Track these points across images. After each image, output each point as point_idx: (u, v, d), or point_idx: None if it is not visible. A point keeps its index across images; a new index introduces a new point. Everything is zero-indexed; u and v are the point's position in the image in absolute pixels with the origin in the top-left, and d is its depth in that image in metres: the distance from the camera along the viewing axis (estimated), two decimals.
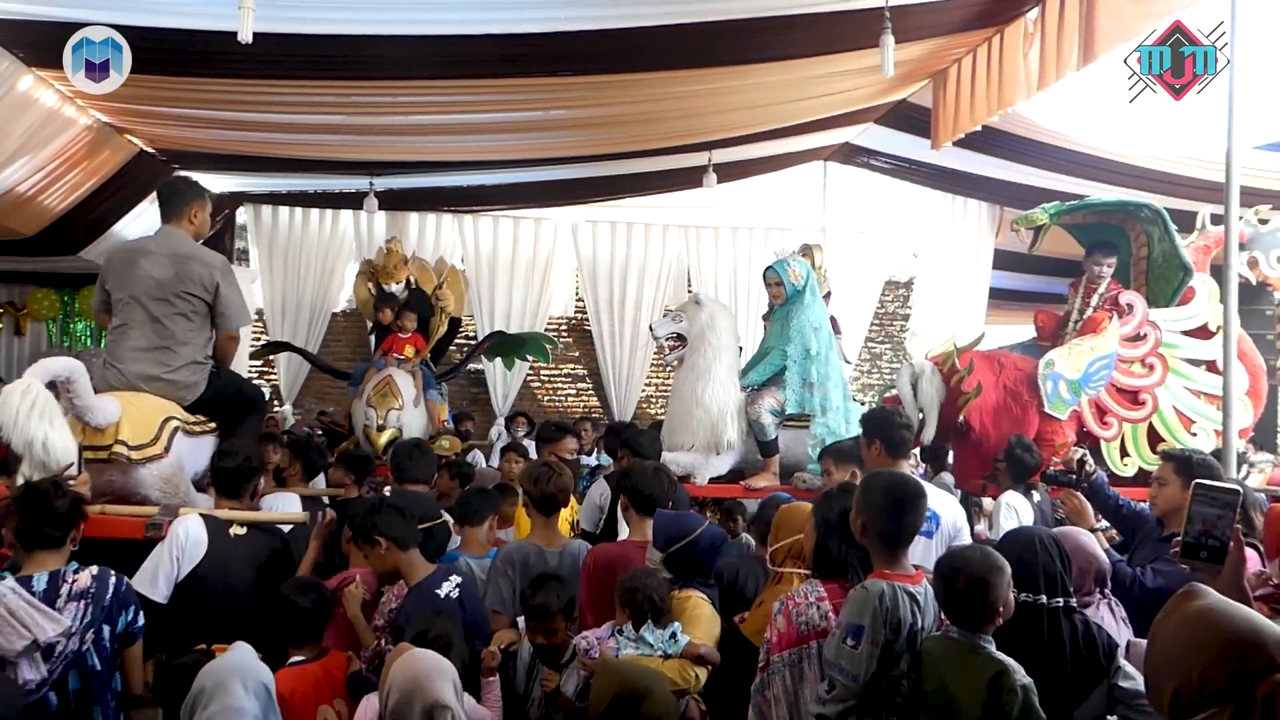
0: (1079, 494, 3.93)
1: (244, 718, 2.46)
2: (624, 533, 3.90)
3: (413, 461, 4.33)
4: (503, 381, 10.16)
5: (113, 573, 2.93)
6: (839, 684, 2.39)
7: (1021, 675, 2.30)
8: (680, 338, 5.28)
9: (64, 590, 2.79)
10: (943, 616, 2.56)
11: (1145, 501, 3.96)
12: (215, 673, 2.53)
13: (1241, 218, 6.38)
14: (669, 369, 11.17)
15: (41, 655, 2.66)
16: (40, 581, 2.76)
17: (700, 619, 3.10)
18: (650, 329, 5.61)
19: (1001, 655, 2.36)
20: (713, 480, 5.04)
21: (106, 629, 2.84)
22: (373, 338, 8.23)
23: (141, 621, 2.98)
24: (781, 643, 2.60)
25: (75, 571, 2.85)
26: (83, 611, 2.77)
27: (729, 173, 8.24)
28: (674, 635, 3.01)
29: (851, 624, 2.42)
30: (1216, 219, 5.40)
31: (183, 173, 7.10)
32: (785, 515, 3.14)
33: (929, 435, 5.37)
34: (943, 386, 5.28)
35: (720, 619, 3.18)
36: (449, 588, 3.25)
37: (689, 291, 10.56)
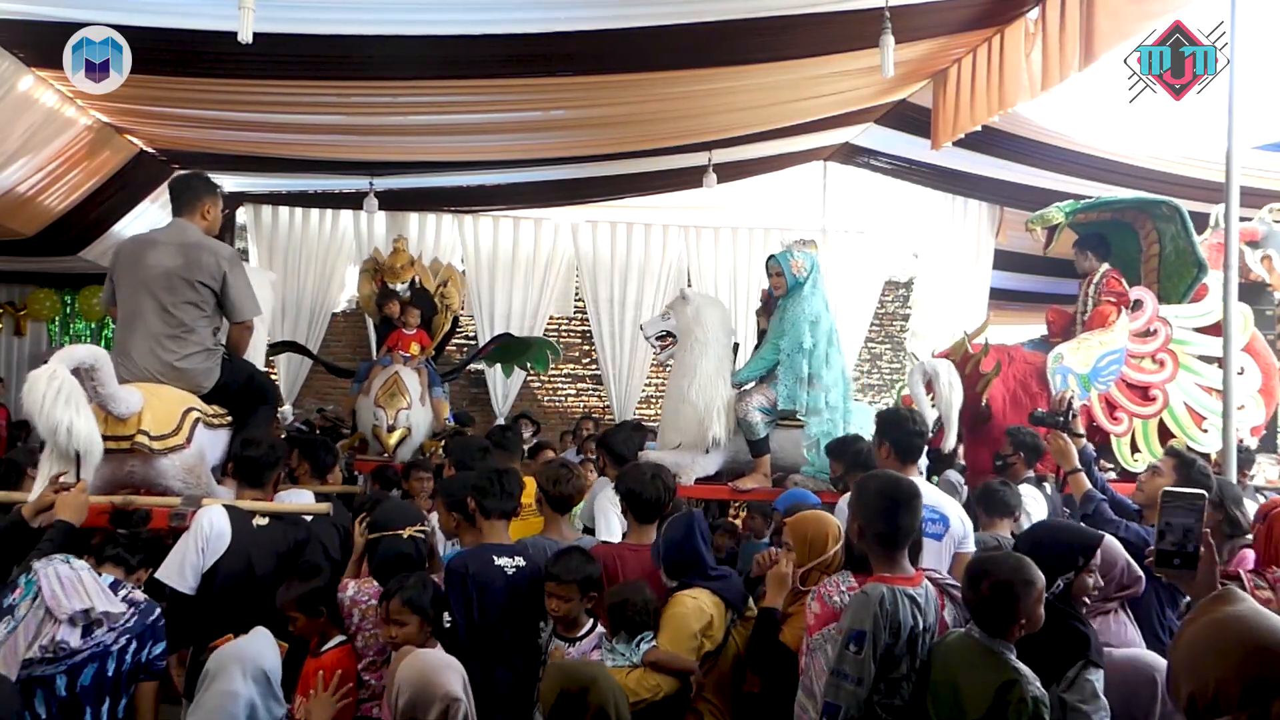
0: (1064, 435, 3.94)
1: (237, 701, 2.50)
2: None
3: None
4: (503, 381, 10.16)
5: (159, 607, 2.98)
6: (845, 690, 2.38)
7: (1035, 687, 2.28)
8: (671, 335, 5.22)
9: (121, 593, 2.87)
10: (946, 618, 2.56)
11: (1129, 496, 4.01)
12: (220, 657, 2.59)
13: (1249, 218, 6.41)
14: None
15: (82, 631, 2.73)
16: (107, 578, 2.87)
17: (669, 621, 3.06)
18: (641, 328, 5.58)
19: (1018, 664, 2.34)
20: (700, 480, 4.95)
21: (134, 645, 2.84)
22: (374, 335, 8.24)
23: (162, 663, 2.95)
24: (818, 623, 2.64)
25: (134, 588, 2.97)
26: (130, 616, 2.84)
27: (729, 173, 8.24)
28: (638, 644, 3.02)
29: (854, 630, 2.42)
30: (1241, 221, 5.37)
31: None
32: (815, 529, 3.04)
33: (950, 442, 5.22)
34: (960, 384, 5.18)
35: (709, 610, 3.10)
36: (506, 561, 3.30)
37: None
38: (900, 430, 3.77)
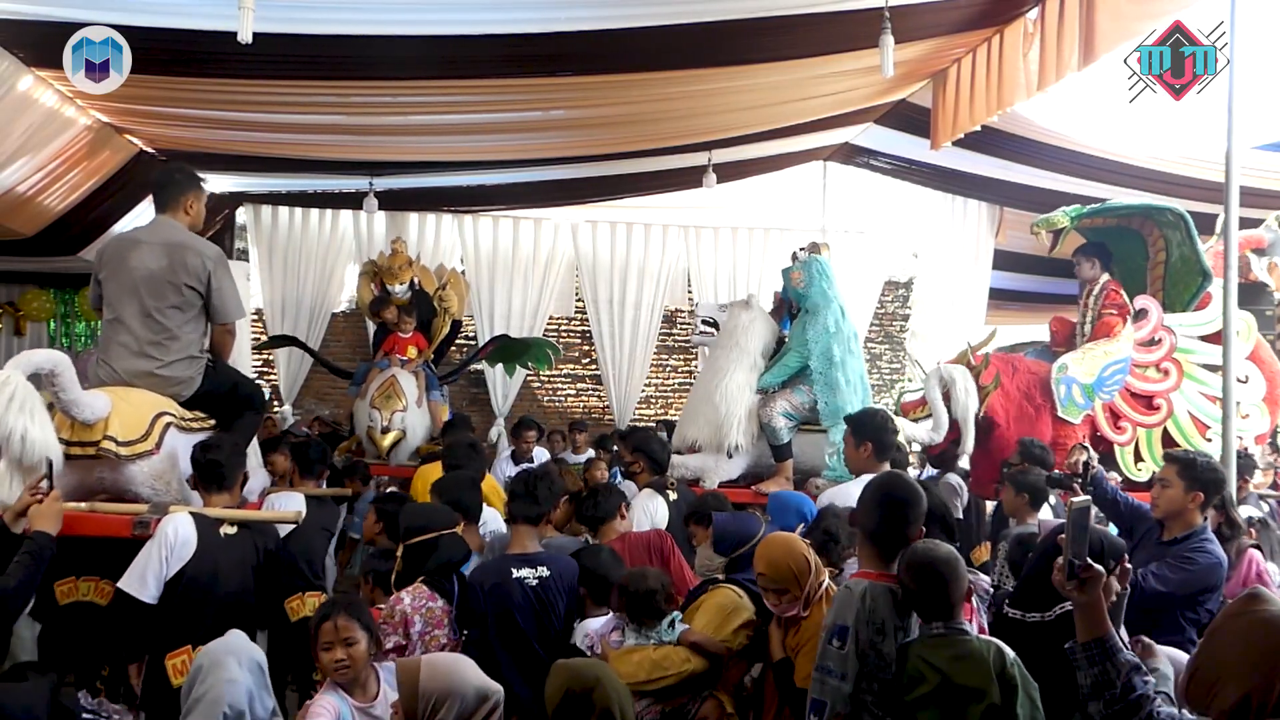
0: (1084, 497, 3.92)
1: (237, 688, 2.48)
2: None
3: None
4: (503, 382, 10.16)
5: None
6: (830, 686, 2.39)
7: (1007, 648, 2.37)
8: (715, 327, 5.27)
9: None
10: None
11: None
12: (211, 652, 2.58)
13: (1254, 220, 6.41)
14: (669, 370, 11.18)
15: None
16: None
17: (710, 608, 3.14)
18: (694, 308, 5.61)
19: (985, 636, 2.44)
20: (723, 484, 5.03)
21: None
22: (373, 338, 8.24)
23: None
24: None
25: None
26: None
27: (729, 173, 8.23)
28: (671, 624, 3.08)
29: (837, 625, 2.45)
30: (1244, 223, 5.38)
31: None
32: (791, 560, 2.94)
33: (968, 447, 5.26)
34: (975, 390, 5.24)
35: (751, 611, 3.18)
36: (526, 573, 3.29)
37: (689, 292, 10.58)
38: (880, 431, 4.08)
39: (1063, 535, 2.16)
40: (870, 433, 4.09)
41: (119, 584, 3.25)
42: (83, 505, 3.48)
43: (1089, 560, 2.07)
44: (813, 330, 5.02)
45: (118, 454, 3.50)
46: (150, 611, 3.21)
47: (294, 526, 3.78)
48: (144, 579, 3.21)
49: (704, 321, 5.38)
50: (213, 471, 3.51)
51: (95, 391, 3.55)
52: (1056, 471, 4.68)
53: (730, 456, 5.09)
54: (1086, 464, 4.18)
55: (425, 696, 2.31)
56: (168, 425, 3.70)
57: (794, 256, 5.35)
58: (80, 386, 3.43)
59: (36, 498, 3.03)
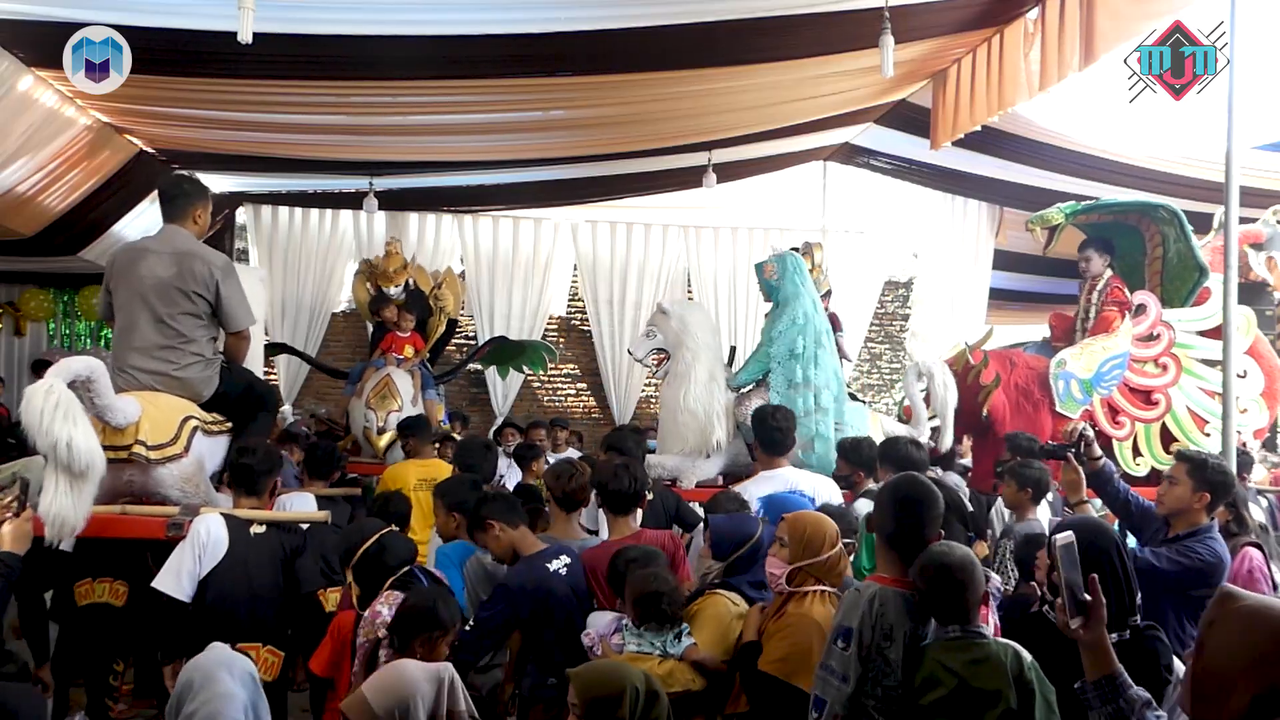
0: (1077, 468, 3.89)
1: (234, 702, 2.40)
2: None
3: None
4: (502, 381, 10.16)
5: None
6: (831, 685, 2.39)
7: (1024, 652, 2.36)
8: (663, 351, 5.23)
9: None
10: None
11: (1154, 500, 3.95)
12: (201, 666, 2.50)
13: (1251, 219, 6.41)
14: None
15: None
16: None
17: (709, 621, 3.07)
18: (629, 353, 5.58)
19: (1002, 639, 2.42)
20: (701, 484, 5.00)
21: None
22: (370, 337, 8.24)
23: None
24: None
25: None
26: None
27: (729, 173, 8.23)
28: (678, 636, 3.00)
29: (842, 626, 2.44)
30: (1243, 223, 5.36)
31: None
32: (811, 529, 2.91)
33: (946, 442, 5.29)
34: (954, 384, 5.26)
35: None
36: (558, 564, 3.35)
37: (688, 292, 10.57)
38: (762, 426, 4.21)
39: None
40: (755, 428, 4.25)
41: (154, 584, 3.32)
42: (114, 508, 3.55)
43: (1087, 596, 2.04)
44: (781, 322, 5.03)
45: (148, 458, 3.58)
46: (185, 610, 3.29)
47: (308, 525, 3.81)
48: (179, 578, 3.30)
49: (650, 355, 5.27)
50: (247, 476, 3.62)
51: (126, 396, 3.61)
52: (1050, 442, 4.65)
53: (708, 456, 5.07)
54: (1082, 434, 4.14)
55: (386, 716, 2.33)
56: (195, 429, 3.79)
57: (770, 252, 5.37)
58: (113, 392, 3.50)
59: (6, 515, 2.94)
